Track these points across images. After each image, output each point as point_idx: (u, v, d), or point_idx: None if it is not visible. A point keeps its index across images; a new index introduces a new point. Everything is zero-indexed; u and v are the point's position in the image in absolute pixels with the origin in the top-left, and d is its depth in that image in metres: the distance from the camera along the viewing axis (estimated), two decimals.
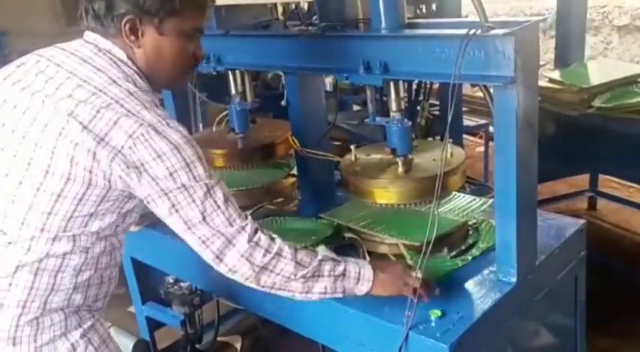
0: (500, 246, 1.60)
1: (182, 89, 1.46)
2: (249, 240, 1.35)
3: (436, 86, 4.37)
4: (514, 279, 1.59)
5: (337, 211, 1.93)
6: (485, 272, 1.67)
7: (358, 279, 1.47)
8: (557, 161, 2.41)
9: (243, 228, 1.35)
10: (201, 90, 2.53)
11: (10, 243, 1.32)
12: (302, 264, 1.40)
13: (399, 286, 1.50)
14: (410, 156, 1.79)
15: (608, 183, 4.25)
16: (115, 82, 1.30)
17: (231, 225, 1.34)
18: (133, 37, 1.34)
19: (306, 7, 2.04)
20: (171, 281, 2.29)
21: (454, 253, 1.75)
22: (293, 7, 1.96)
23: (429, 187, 1.66)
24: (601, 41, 7.35)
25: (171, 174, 1.27)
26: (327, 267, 1.44)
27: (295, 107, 1.95)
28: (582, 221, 1.91)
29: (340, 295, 1.47)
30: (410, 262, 1.68)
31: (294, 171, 2.24)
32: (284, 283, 1.41)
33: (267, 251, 1.37)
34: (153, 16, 1.32)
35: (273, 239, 1.40)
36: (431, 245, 1.45)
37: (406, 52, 1.59)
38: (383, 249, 1.76)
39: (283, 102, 1.94)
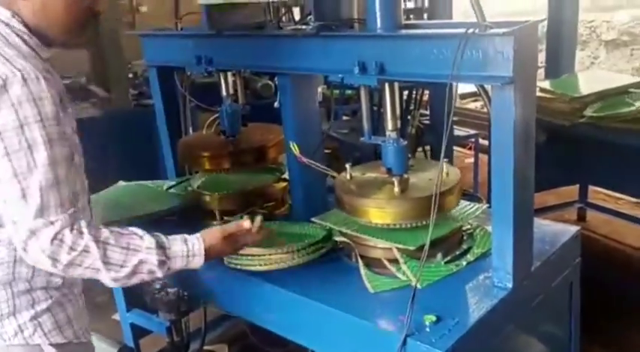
0: (497, 251, 1.57)
1: (79, 45, 1.42)
2: (54, 238, 1.26)
3: (426, 97, 4.39)
4: (510, 285, 1.56)
5: (329, 215, 1.89)
6: (481, 277, 1.64)
7: (188, 257, 1.45)
8: (546, 171, 2.39)
9: (51, 223, 1.26)
10: (192, 97, 2.49)
11: None
12: (112, 263, 1.33)
13: (231, 247, 1.57)
14: (406, 176, 1.76)
15: (597, 194, 4.26)
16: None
17: (41, 215, 1.25)
18: None
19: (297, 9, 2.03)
20: (158, 287, 2.22)
21: (448, 258, 1.72)
22: (287, 7, 1.94)
23: (425, 207, 1.59)
24: (588, 55, 7.44)
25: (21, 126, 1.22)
26: (145, 267, 1.37)
27: (288, 109, 1.92)
28: (577, 228, 1.90)
29: (161, 276, 1.44)
30: (404, 267, 1.64)
31: (286, 175, 2.20)
32: (94, 274, 1.34)
33: (72, 249, 1.28)
34: None
35: (81, 234, 1.29)
36: (426, 250, 1.42)
37: (402, 53, 1.56)
38: (376, 254, 1.73)
39: (276, 104, 1.91)
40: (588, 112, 3.00)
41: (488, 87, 1.54)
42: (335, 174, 1.86)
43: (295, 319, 1.67)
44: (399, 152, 1.74)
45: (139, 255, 1.36)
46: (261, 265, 1.72)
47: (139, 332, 2.48)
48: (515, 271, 1.56)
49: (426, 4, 4.24)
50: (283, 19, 2.03)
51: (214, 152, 2.20)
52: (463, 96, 6.64)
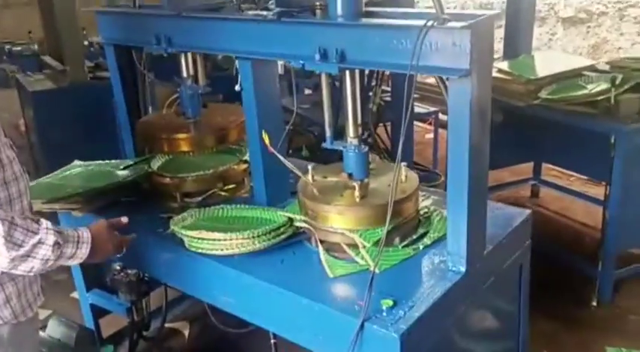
0: (451, 235, 1.63)
1: None
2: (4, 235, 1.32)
3: (388, 73, 4.41)
4: (463, 269, 1.62)
5: (293, 206, 1.91)
6: (436, 261, 1.69)
7: (71, 257, 1.49)
8: (503, 150, 2.47)
9: None
10: (149, 71, 2.45)
11: None
12: (14, 243, 1.36)
13: (112, 249, 1.66)
14: (366, 180, 1.79)
15: (550, 171, 4.40)
16: None
17: None
18: None
19: None
20: (118, 268, 2.23)
21: (406, 242, 1.77)
22: None
23: (384, 213, 1.59)
24: (546, 32, 7.56)
25: None
26: (42, 252, 1.41)
27: (249, 93, 1.91)
28: (528, 211, 1.96)
29: (40, 272, 1.48)
30: (363, 251, 1.68)
31: (247, 158, 2.20)
32: None
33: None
34: None
35: None
36: (384, 239, 1.46)
37: (363, 41, 1.57)
38: (336, 239, 1.76)
39: (237, 88, 1.90)
40: (543, 94, 3.08)
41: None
42: (299, 173, 1.87)
43: (255, 303, 1.70)
44: (360, 158, 1.77)
45: (37, 236, 1.39)
46: (222, 249, 1.74)
47: (98, 312, 2.48)
48: (469, 255, 1.62)
49: None
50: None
51: (174, 134, 2.18)
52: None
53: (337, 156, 2.26)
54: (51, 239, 1.41)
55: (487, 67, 1.53)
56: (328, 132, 1.82)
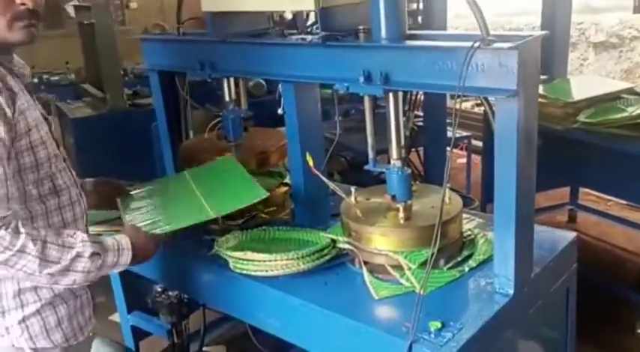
0: (499, 257, 1.61)
1: (26, 39, 1.44)
2: None
3: (421, 97, 4.42)
4: (511, 291, 1.60)
5: (335, 229, 1.92)
6: (482, 283, 1.67)
7: (114, 266, 1.48)
8: (539, 174, 2.44)
9: None
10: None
11: None
12: (49, 261, 1.35)
13: (151, 255, 1.63)
14: (409, 202, 1.80)
15: (587, 196, 4.32)
16: None
17: None
18: None
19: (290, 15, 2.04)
20: (159, 290, 2.24)
21: (451, 264, 1.75)
22: (291, 15, 1.96)
23: (429, 235, 1.60)
24: (577, 57, 7.52)
25: None
26: (80, 264, 1.40)
27: (292, 116, 1.94)
28: (574, 234, 1.94)
29: (86, 283, 1.48)
30: (408, 273, 1.67)
31: (287, 180, 2.22)
32: (27, 277, 1.37)
33: (7, 249, 1.29)
34: None
35: (18, 234, 1.31)
36: (431, 260, 1.45)
37: (407, 63, 1.60)
38: (380, 260, 1.75)
39: (280, 111, 1.93)
40: (581, 118, 3.05)
41: (491, 98, 1.58)
42: (343, 195, 1.88)
43: (300, 324, 1.70)
44: (404, 180, 1.78)
45: (74, 250, 1.38)
46: (267, 270, 1.74)
47: (139, 333, 2.50)
48: (517, 277, 1.60)
49: (421, 6, 4.27)
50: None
51: (217, 157, 2.21)
52: (453, 96, 6.66)
53: (372, 182, 2.27)
54: (88, 251, 1.41)
55: (534, 88, 1.54)
56: (371, 155, 1.83)
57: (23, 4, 1.38)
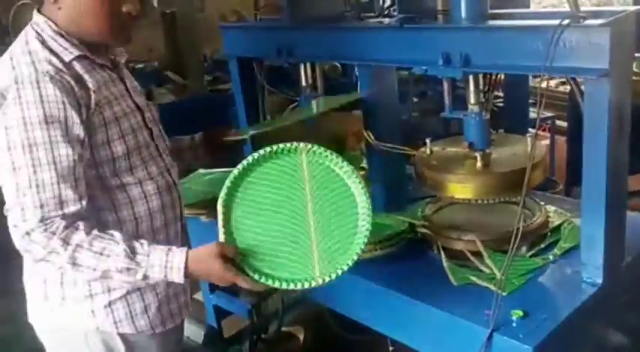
0: (586, 244, 1.54)
1: (126, 43, 1.47)
2: (23, 235, 1.29)
3: (501, 77, 4.26)
4: (599, 280, 1.53)
5: (412, 212, 1.90)
6: (568, 272, 1.61)
7: (164, 277, 1.35)
8: (632, 156, 2.30)
9: (24, 221, 1.29)
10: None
11: None
12: (83, 266, 1.32)
13: (223, 282, 1.40)
14: (488, 151, 1.74)
15: None
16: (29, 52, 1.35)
17: (19, 211, 1.29)
18: (51, 0, 1.37)
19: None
20: None
21: (534, 252, 1.70)
22: None
23: (509, 182, 1.62)
24: None
25: (6, 128, 1.28)
26: (116, 276, 1.34)
27: (369, 100, 1.93)
28: None
29: (143, 286, 1.45)
30: (488, 260, 1.64)
31: (364, 164, 2.22)
32: (68, 272, 1.36)
33: (42, 248, 1.29)
34: None
35: (52, 236, 1.29)
36: (517, 242, 1.41)
37: (488, 44, 1.54)
38: (459, 246, 1.72)
39: (360, 94, 1.92)
40: None
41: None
42: (413, 152, 1.85)
43: (377, 309, 1.70)
44: (482, 126, 1.72)
45: (108, 262, 1.32)
46: None
47: (221, 313, 2.59)
48: (606, 266, 1.52)
49: None
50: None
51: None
52: (535, 75, 6.36)
53: None
54: (121, 265, 1.33)
55: (627, 68, 1.46)
56: (447, 101, 1.76)
57: (129, 12, 1.43)
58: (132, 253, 1.33)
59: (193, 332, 2.35)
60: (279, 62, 2.12)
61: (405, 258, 1.77)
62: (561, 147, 4.43)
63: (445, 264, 1.69)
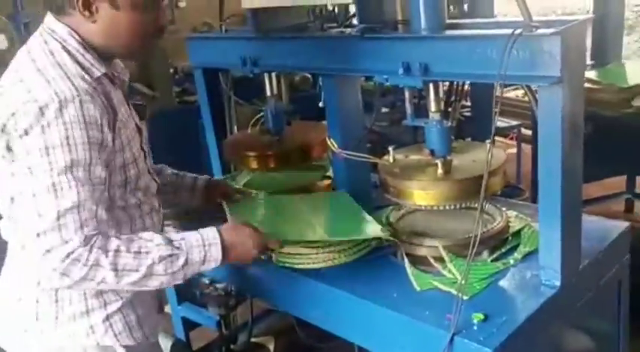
0: (544, 248, 1.58)
1: (149, 57, 1.49)
2: (66, 256, 1.26)
3: (467, 87, 4.34)
4: (558, 283, 1.56)
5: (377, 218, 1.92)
6: (528, 275, 1.64)
7: (203, 262, 1.42)
8: (592, 163, 2.36)
9: (66, 242, 1.27)
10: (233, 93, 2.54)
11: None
12: (126, 269, 1.32)
13: (251, 257, 1.55)
14: (449, 158, 1.77)
15: None
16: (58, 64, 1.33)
17: (57, 233, 1.27)
18: (87, 13, 1.34)
19: (336, 9, 2.04)
20: (207, 282, 2.31)
21: (495, 256, 1.73)
22: (330, 9, 1.96)
23: (469, 189, 1.66)
24: (635, 40, 7.20)
25: (27, 153, 1.27)
26: (160, 268, 1.35)
27: (333, 109, 1.95)
28: (626, 224, 1.87)
29: (181, 281, 1.44)
30: (450, 265, 1.66)
31: (330, 173, 2.24)
32: (111, 287, 1.36)
33: (84, 264, 1.28)
34: None
35: (92, 249, 1.29)
36: (476, 246, 1.43)
37: (447, 53, 1.57)
38: (422, 252, 1.74)
39: (321, 104, 1.94)
40: (637, 103, 2.93)
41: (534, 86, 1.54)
42: (377, 160, 1.88)
43: (342, 316, 1.71)
44: (443, 133, 1.74)
45: (149, 257, 1.34)
46: (309, 263, 1.76)
47: (189, 325, 2.57)
48: (564, 269, 1.56)
49: None
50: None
51: (260, 151, 2.25)
52: (507, 85, 6.46)
53: None
54: (166, 253, 1.37)
55: (579, 75, 1.49)
56: (409, 109, 1.79)
57: (161, 26, 1.44)
58: (169, 241, 1.38)
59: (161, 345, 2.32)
60: (243, 72, 2.13)
61: (370, 264, 1.78)
62: (528, 155, 4.53)
63: (408, 269, 1.71)
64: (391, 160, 1.85)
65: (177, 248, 1.39)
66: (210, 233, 1.44)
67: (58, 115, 1.26)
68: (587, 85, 3.12)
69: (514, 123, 4.70)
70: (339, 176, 2.06)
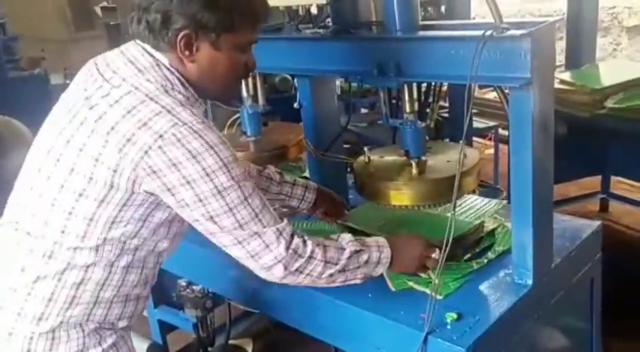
0: (516, 247, 1.59)
1: (234, 99, 1.48)
2: (287, 248, 1.35)
3: (445, 88, 4.37)
4: (530, 281, 1.58)
5: (353, 215, 1.92)
6: (501, 274, 1.66)
7: (377, 263, 1.50)
8: (568, 163, 2.40)
9: (280, 234, 1.34)
10: None
11: (31, 250, 1.31)
12: (331, 262, 1.41)
13: (415, 265, 1.57)
14: (424, 158, 1.78)
15: (620, 184, 4.22)
16: (166, 91, 1.28)
17: (268, 229, 1.33)
18: (187, 52, 1.30)
19: (315, 10, 2.04)
20: (184, 284, 2.29)
21: (469, 256, 1.74)
22: (305, 10, 1.96)
23: (443, 189, 1.67)
24: (610, 42, 7.31)
25: (208, 175, 1.24)
26: (353, 262, 1.44)
27: (308, 110, 1.95)
28: (598, 222, 1.90)
29: (359, 281, 1.49)
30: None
31: (307, 174, 2.24)
32: (311, 281, 1.42)
33: (300, 256, 1.37)
34: (210, 32, 1.29)
35: (305, 242, 1.38)
36: (449, 246, 1.44)
37: (420, 54, 1.59)
38: None
39: (296, 105, 1.94)
40: (609, 103, 2.98)
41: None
42: (352, 160, 1.89)
43: (318, 317, 1.71)
44: (417, 134, 1.75)
45: (347, 250, 1.44)
46: None
47: (166, 327, 2.55)
48: (536, 268, 1.58)
49: None
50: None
51: (236, 152, 2.23)
52: (482, 86, 6.56)
53: None
54: (356, 248, 1.46)
55: (549, 76, 1.51)
56: (384, 110, 1.80)
57: (252, 65, 1.45)
58: (356, 239, 1.49)
59: (137, 347, 2.30)
60: None
61: None
62: (505, 156, 4.58)
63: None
64: (366, 161, 1.85)
65: (363, 244, 1.48)
66: (380, 238, 1.53)
67: (200, 143, 1.23)
68: (561, 86, 3.18)
69: (491, 123, 4.74)
70: (315, 176, 2.06)
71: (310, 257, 1.38)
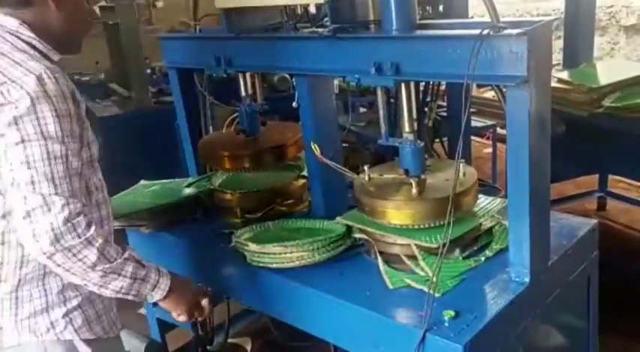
0: (513, 246, 1.60)
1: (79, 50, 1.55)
2: (67, 220, 1.31)
3: (443, 87, 4.37)
4: (527, 279, 1.59)
5: (350, 215, 1.93)
6: (498, 272, 1.66)
7: (155, 286, 1.50)
8: (565, 162, 2.41)
9: (67, 205, 1.31)
10: (209, 94, 2.53)
11: None
12: (107, 257, 1.37)
13: (190, 306, 1.66)
14: (423, 177, 1.79)
15: (618, 183, 4.23)
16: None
17: (57, 197, 1.31)
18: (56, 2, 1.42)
19: (314, 9, 2.05)
20: None
21: (466, 254, 1.75)
22: (303, 9, 1.96)
23: (442, 208, 1.63)
24: (608, 41, 7.32)
25: (16, 123, 1.28)
26: (128, 268, 1.42)
27: (306, 109, 1.95)
28: (594, 221, 1.91)
29: (132, 298, 1.48)
30: (422, 263, 1.68)
31: (305, 173, 2.24)
32: (82, 271, 1.37)
33: (78, 235, 1.32)
34: None
35: (90, 226, 1.34)
36: (444, 249, 1.45)
37: (418, 53, 1.59)
38: (395, 250, 1.76)
39: (294, 104, 1.95)
40: (606, 102, 2.99)
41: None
42: (354, 175, 1.89)
43: (316, 315, 1.72)
44: (416, 153, 1.76)
45: (126, 253, 1.44)
46: (282, 262, 1.77)
47: (164, 326, 2.55)
48: (532, 266, 1.58)
49: None
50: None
51: (234, 151, 2.24)
52: (480, 85, 6.55)
53: None
54: (135, 258, 1.46)
55: (545, 74, 1.52)
56: (383, 129, 1.81)
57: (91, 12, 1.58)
58: (141, 265, 1.47)
59: (135, 346, 2.31)
60: (217, 72, 2.12)
61: (343, 263, 1.80)
62: (503, 155, 4.58)
63: (382, 268, 1.72)
64: (366, 178, 1.86)
65: (145, 262, 1.49)
66: (165, 281, 1.53)
67: (40, 89, 1.29)
68: (558, 85, 3.19)
69: (489, 122, 4.75)
70: (314, 176, 2.06)
71: (88, 241, 1.33)
